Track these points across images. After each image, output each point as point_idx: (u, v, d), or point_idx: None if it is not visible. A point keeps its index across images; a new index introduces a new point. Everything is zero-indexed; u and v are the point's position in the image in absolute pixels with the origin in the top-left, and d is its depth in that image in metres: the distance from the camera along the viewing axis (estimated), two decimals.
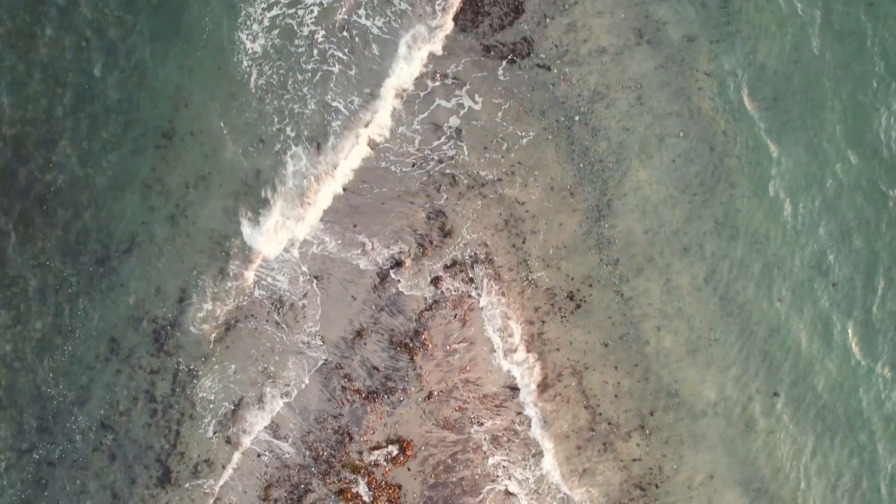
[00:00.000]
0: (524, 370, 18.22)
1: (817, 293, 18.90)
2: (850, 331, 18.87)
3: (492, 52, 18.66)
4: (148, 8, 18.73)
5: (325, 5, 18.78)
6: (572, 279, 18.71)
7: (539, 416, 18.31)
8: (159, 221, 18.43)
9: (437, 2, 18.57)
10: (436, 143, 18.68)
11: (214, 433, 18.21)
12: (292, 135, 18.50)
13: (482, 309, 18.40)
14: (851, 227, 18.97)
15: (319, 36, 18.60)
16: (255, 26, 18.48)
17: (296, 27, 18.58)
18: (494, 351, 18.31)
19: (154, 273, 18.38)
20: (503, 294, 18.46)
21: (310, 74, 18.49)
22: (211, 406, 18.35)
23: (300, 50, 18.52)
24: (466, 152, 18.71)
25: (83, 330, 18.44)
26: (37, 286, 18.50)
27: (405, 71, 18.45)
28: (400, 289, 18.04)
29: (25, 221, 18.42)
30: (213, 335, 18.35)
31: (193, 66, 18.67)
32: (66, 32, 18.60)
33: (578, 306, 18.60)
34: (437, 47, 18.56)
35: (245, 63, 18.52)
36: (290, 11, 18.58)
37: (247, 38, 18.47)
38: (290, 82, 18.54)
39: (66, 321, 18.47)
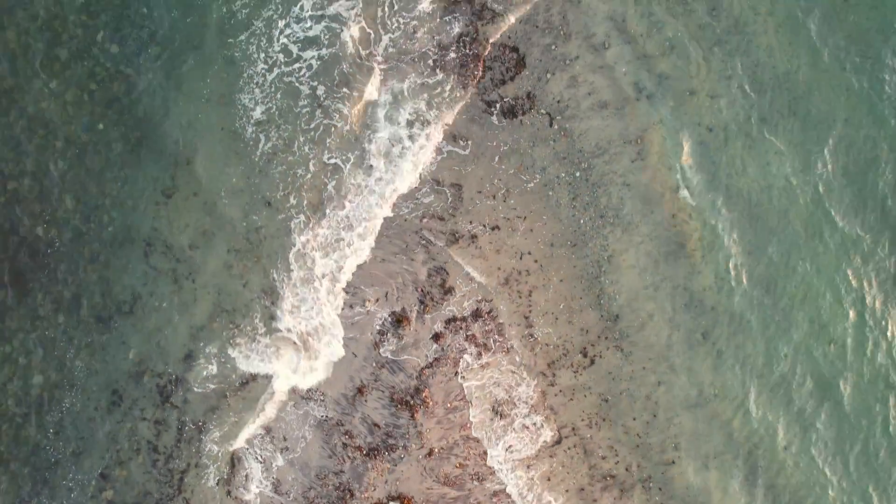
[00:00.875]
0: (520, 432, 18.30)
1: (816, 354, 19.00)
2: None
3: (492, 107, 18.69)
4: (151, 62, 18.78)
5: (325, 59, 18.82)
6: (577, 336, 18.74)
7: (537, 477, 18.37)
8: (161, 279, 18.43)
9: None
10: (433, 196, 18.69)
11: (217, 483, 18.19)
12: (295, 202, 18.55)
13: (482, 367, 18.43)
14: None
15: (321, 92, 18.67)
16: (256, 90, 18.54)
17: (297, 84, 18.62)
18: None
19: (157, 330, 18.37)
20: (505, 352, 18.50)
21: (313, 133, 18.55)
22: (214, 457, 18.33)
23: (304, 110, 18.57)
24: (465, 204, 18.73)
25: (84, 384, 18.42)
26: (37, 340, 18.49)
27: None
28: (392, 355, 18.09)
29: (26, 276, 18.41)
30: (220, 391, 18.36)
31: (195, 124, 18.72)
32: (67, 86, 18.63)
33: (592, 362, 18.66)
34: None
35: (248, 126, 18.56)
36: (289, 69, 18.62)
37: (248, 101, 18.51)
38: (295, 144, 18.57)
39: (66, 375, 18.46)
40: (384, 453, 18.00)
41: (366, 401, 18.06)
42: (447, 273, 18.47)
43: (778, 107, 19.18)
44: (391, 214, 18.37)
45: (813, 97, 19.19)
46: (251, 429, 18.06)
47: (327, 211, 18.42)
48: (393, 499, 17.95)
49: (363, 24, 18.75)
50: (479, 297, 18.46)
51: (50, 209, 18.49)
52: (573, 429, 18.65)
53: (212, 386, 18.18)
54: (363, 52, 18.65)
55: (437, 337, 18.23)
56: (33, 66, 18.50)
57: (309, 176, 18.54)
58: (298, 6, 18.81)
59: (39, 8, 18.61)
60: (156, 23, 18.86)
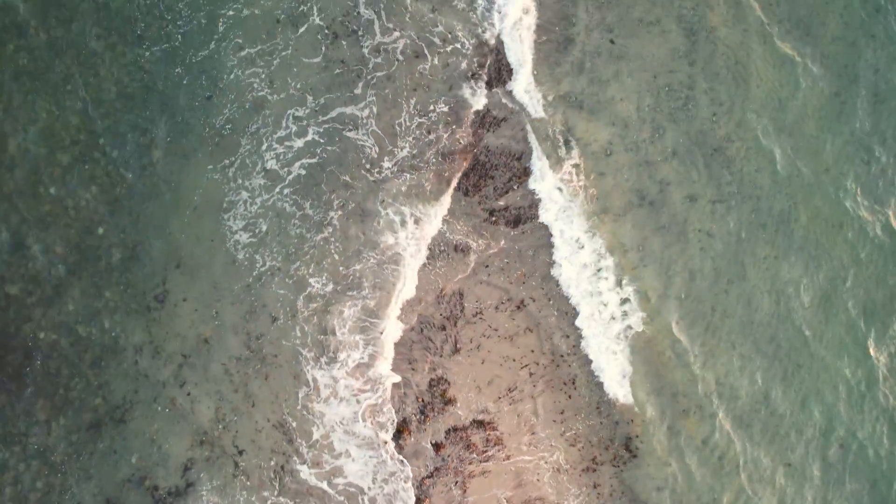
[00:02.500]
0: None
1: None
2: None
3: (494, 217, 18.65)
4: (151, 167, 18.75)
5: (307, 171, 18.79)
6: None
7: None
8: (158, 385, 18.34)
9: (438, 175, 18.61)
10: (435, 305, 18.65)
11: None
12: (299, 333, 18.53)
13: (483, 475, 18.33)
14: None
15: (312, 210, 18.67)
16: (248, 204, 18.55)
17: (279, 205, 18.61)
18: None
19: (154, 439, 18.28)
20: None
21: (308, 256, 18.56)
22: None
23: (296, 230, 18.56)
24: (466, 315, 18.68)
25: (80, 490, 18.31)
26: (36, 445, 18.38)
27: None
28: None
29: (25, 379, 18.33)
30: None
31: (192, 231, 18.67)
32: (68, 190, 18.59)
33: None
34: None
35: (239, 245, 18.57)
36: (273, 186, 18.61)
37: (233, 221, 18.52)
38: (289, 267, 18.57)
39: (64, 481, 18.34)
40: None
41: None
42: (448, 383, 18.39)
43: (775, 213, 19.18)
44: (400, 334, 18.37)
45: (812, 211, 19.20)
46: None
47: (337, 356, 18.48)
48: None
49: (374, 128, 18.70)
50: (482, 408, 18.39)
51: (50, 313, 18.43)
52: None
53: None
54: (368, 163, 18.61)
55: (437, 447, 18.13)
56: (35, 171, 18.52)
57: (311, 307, 18.64)
58: (291, 115, 18.84)
59: (41, 111, 18.63)
60: (156, 128, 18.86)
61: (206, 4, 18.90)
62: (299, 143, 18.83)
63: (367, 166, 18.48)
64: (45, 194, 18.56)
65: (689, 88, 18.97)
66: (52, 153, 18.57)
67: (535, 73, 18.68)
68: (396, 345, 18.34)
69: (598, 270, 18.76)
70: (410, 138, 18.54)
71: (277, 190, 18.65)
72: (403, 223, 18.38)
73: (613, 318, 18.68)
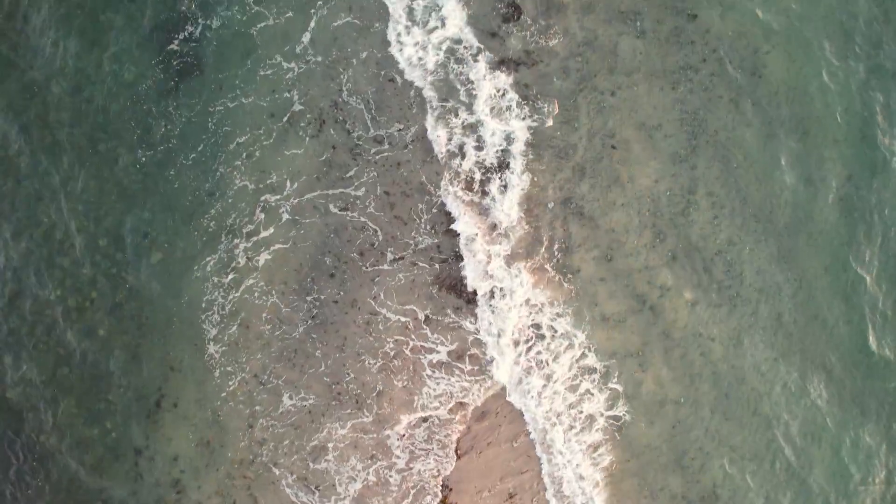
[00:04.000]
0: None
1: None
2: None
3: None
4: (152, 269, 18.78)
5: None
6: None
7: None
8: (155, 490, 18.39)
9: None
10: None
11: None
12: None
13: None
14: None
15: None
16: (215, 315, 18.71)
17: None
18: None
19: None
20: None
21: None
22: None
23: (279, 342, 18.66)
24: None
25: None
26: None
27: None
28: None
29: (26, 484, 18.43)
30: None
31: (194, 335, 18.73)
32: (69, 293, 18.66)
33: None
34: None
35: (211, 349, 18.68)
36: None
37: (210, 327, 18.68)
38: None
39: None
40: None
41: None
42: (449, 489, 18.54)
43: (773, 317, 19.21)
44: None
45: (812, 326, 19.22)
46: None
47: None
48: None
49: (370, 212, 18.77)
50: None
51: (50, 417, 18.51)
52: None
53: None
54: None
55: None
56: (36, 274, 18.59)
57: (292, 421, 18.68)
58: (263, 204, 18.91)
59: (42, 216, 18.67)
60: (157, 229, 18.90)
61: (196, 104, 18.90)
62: (267, 232, 18.88)
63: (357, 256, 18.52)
64: (45, 296, 18.64)
65: (691, 193, 18.95)
66: (52, 256, 18.64)
67: (536, 179, 18.70)
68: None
69: (591, 373, 18.80)
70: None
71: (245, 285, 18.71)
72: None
73: (605, 423, 18.74)
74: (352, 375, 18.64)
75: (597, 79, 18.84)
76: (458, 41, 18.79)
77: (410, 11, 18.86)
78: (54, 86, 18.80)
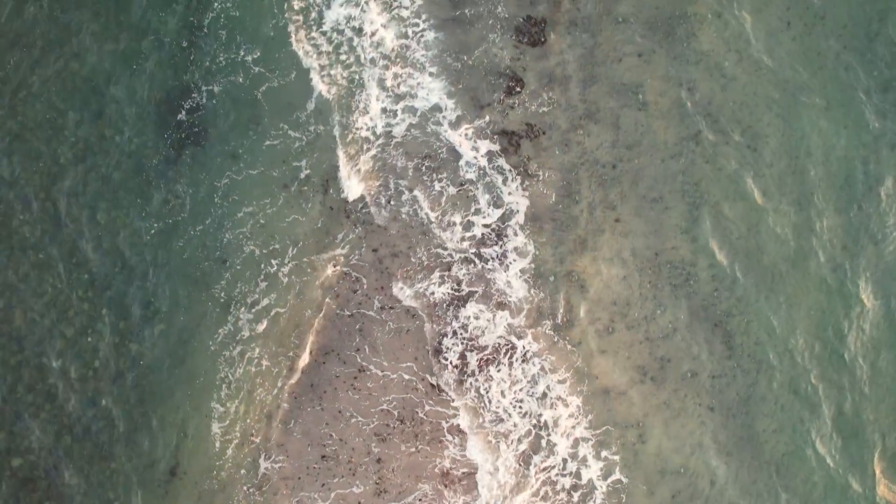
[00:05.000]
0: None
1: None
2: None
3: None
4: (155, 339, 18.89)
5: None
6: None
7: None
8: None
9: None
10: None
11: None
12: None
13: None
14: None
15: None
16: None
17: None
18: None
19: None
20: None
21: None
22: None
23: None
24: None
25: None
26: None
27: None
28: None
29: None
30: None
31: (199, 403, 18.85)
32: (72, 362, 18.75)
33: None
34: None
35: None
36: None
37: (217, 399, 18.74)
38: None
39: None
40: None
41: None
42: None
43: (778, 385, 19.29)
44: None
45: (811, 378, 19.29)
46: None
47: None
48: None
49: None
50: None
51: (55, 486, 18.63)
52: None
53: None
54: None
55: None
56: (40, 342, 18.68)
57: None
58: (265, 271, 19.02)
59: (47, 285, 18.76)
60: (160, 300, 18.99)
61: (204, 178, 19.01)
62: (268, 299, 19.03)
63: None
64: (48, 366, 18.74)
65: (692, 265, 19.02)
66: (55, 325, 18.74)
67: (538, 252, 18.78)
68: None
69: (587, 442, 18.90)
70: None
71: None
72: None
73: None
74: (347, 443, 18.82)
75: (598, 151, 18.91)
76: (438, 108, 18.94)
77: (382, 83, 19.01)
78: (59, 156, 18.89)
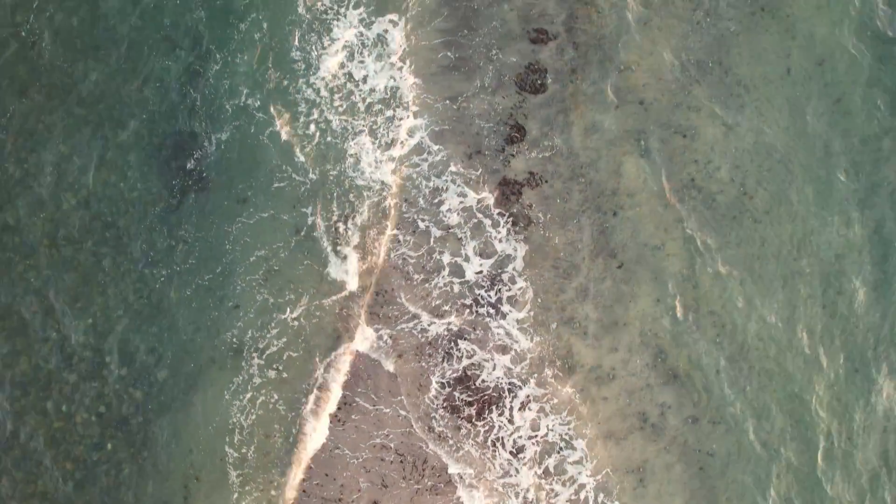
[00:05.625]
0: None
1: None
2: None
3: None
4: (158, 385, 19.01)
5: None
6: None
7: None
8: None
9: None
10: None
11: None
12: None
13: None
14: None
15: None
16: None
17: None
18: None
19: None
20: None
21: None
22: None
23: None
24: None
25: None
26: None
27: None
28: None
29: None
30: None
31: (204, 449, 18.95)
32: (77, 408, 18.89)
33: None
34: None
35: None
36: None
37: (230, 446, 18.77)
38: None
39: None
40: None
41: None
42: None
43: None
44: None
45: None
46: None
47: None
48: None
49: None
50: None
51: None
52: None
53: None
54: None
55: None
56: (45, 388, 18.82)
57: None
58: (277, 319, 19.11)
59: (51, 330, 18.90)
60: (164, 346, 19.10)
61: (212, 223, 19.11)
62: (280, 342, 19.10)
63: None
64: (54, 411, 18.88)
65: (693, 312, 19.09)
66: (59, 372, 18.87)
67: (540, 300, 18.87)
68: None
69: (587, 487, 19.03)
70: None
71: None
72: None
73: None
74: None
75: (600, 199, 18.98)
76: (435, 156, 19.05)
77: (374, 133, 19.12)
78: (63, 202, 19.00)
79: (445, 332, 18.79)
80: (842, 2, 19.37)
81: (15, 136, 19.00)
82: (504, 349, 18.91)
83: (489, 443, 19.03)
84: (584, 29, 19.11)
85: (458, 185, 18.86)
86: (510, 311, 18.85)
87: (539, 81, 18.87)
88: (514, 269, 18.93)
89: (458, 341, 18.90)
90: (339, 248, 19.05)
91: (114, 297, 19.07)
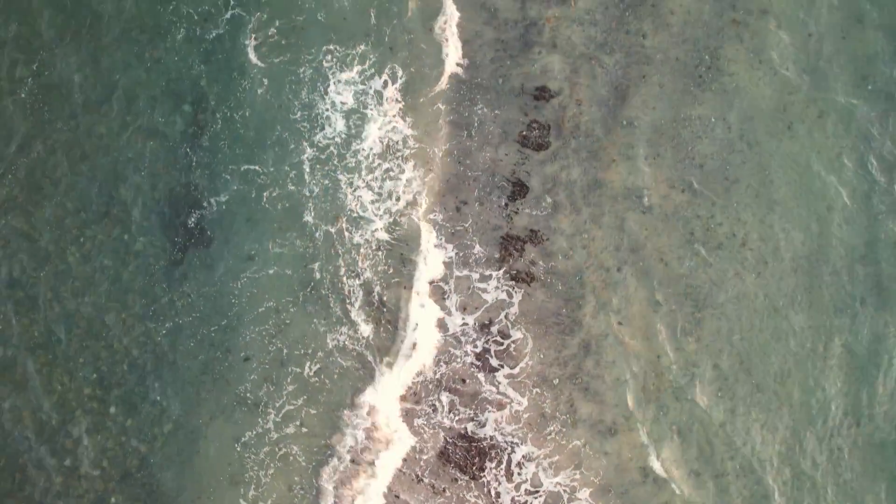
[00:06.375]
0: None
1: None
2: None
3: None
4: (163, 438, 19.07)
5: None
6: None
7: None
8: None
9: None
10: None
11: None
12: None
13: None
14: None
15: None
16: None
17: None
18: None
19: None
20: None
21: None
22: None
23: None
24: None
25: None
26: None
27: None
28: None
29: None
30: None
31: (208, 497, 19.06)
32: (81, 462, 18.95)
33: None
34: None
35: None
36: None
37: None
38: None
39: None
40: None
41: None
42: None
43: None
44: None
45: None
46: None
47: None
48: None
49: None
50: None
51: None
52: None
53: None
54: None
55: None
56: (49, 441, 18.91)
57: None
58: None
59: (56, 384, 18.98)
60: (168, 399, 19.18)
61: (215, 278, 19.17)
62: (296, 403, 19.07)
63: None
64: (58, 465, 18.97)
65: (695, 366, 19.16)
66: (63, 424, 18.96)
67: (542, 356, 18.93)
68: None
69: None
70: None
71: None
72: None
73: None
74: None
75: (603, 255, 19.05)
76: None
77: (375, 189, 19.22)
78: (66, 255, 19.09)
79: (446, 388, 18.93)
80: None
81: (20, 191, 19.11)
82: (500, 405, 18.99)
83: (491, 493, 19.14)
84: (588, 85, 19.18)
85: (457, 238, 19.02)
86: (508, 366, 18.92)
87: (542, 139, 18.93)
88: (512, 322, 19.01)
89: (447, 395, 18.99)
90: (347, 305, 19.13)
91: (118, 350, 19.17)
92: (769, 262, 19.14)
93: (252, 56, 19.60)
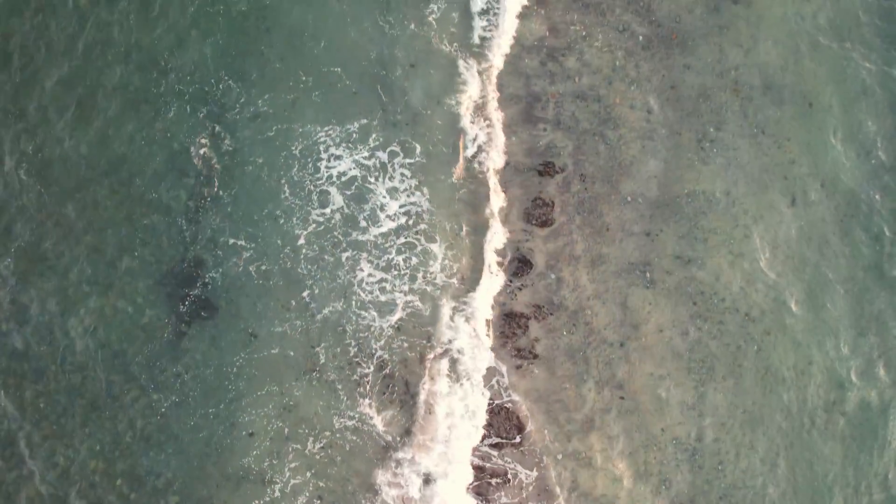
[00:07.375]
0: None
1: None
2: None
3: None
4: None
5: None
6: None
7: None
8: None
9: None
10: None
11: None
12: None
13: None
14: None
15: None
16: None
17: None
18: None
19: None
20: None
21: None
22: None
23: None
24: None
25: None
26: None
27: None
28: None
29: None
30: None
31: None
32: None
33: None
34: None
35: None
36: None
37: None
38: None
39: None
40: None
41: None
42: None
43: None
44: None
45: None
46: None
47: None
48: None
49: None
50: None
51: None
52: None
53: None
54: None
55: None
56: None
57: None
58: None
59: (59, 456, 18.98)
60: (174, 471, 19.20)
61: (217, 355, 19.18)
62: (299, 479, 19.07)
63: None
64: None
65: (698, 440, 19.27)
66: (67, 497, 18.98)
67: (545, 431, 19.01)
68: None
69: None
70: None
71: None
72: None
73: None
74: None
75: (606, 331, 19.12)
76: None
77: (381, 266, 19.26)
78: (69, 329, 19.08)
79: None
80: None
81: (25, 264, 19.08)
82: (508, 480, 19.08)
83: None
84: (591, 161, 19.23)
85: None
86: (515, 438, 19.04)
87: (546, 215, 18.97)
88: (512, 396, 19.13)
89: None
90: (356, 391, 19.15)
91: (122, 423, 19.16)
92: (776, 342, 19.31)
93: (252, 129, 19.62)
